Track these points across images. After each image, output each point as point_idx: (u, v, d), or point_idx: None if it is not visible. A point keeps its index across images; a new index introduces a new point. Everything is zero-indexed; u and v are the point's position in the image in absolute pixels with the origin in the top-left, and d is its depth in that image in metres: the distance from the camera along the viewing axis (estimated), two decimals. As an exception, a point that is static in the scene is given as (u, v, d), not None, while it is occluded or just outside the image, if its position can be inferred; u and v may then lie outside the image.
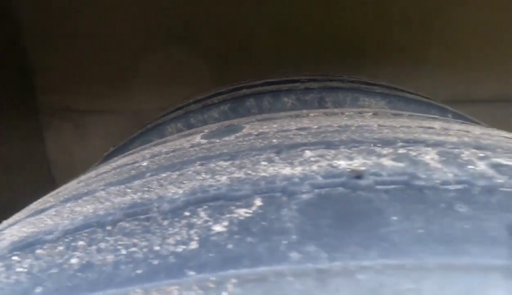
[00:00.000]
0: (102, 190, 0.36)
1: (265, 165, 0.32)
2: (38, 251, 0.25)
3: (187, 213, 0.26)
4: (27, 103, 1.45)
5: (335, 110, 0.52)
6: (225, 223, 0.24)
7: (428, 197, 0.25)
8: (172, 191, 0.30)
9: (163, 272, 0.21)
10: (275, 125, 0.45)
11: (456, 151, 0.33)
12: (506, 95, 1.51)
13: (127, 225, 0.26)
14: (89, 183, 0.42)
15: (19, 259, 0.25)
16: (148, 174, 0.37)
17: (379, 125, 0.42)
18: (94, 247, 0.25)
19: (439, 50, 1.45)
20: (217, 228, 0.24)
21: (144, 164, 0.41)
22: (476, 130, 0.44)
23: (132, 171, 0.39)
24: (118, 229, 0.26)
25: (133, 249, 0.23)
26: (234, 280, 0.20)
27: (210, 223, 0.24)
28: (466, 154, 0.32)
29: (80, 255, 0.24)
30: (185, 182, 0.32)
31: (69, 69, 1.50)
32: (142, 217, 0.27)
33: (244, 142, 0.40)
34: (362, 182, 0.27)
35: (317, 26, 1.41)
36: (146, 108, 1.45)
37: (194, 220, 0.25)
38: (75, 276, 0.22)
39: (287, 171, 0.30)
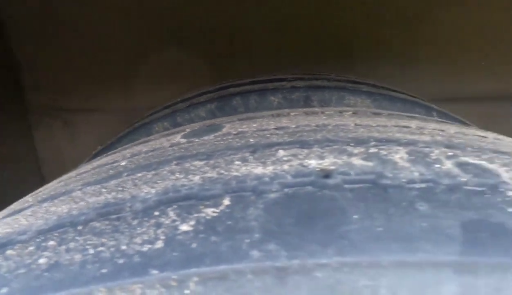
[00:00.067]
0: (79, 190, 0.36)
1: (238, 164, 0.32)
2: (9, 252, 0.26)
3: (156, 213, 0.27)
4: (16, 102, 1.44)
5: (316, 109, 0.53)
6: (192, 223, 0.24)
7: (392, 195, 0.25)
8: (145, 191, 0.31)
9: (127, 271, 0.21)
10: (254, 125, 0.46)
11: (427, 149, 0.34)
12: (499, 93, 1.53)
13: (98, 224, 0.27)
14: (68, 182, 0.42)
15: (-10, 260, 0.26)
16: (125, 174, 0.37)
17: (355, 124, 0.42)
18: (63, 247, 0.25)
19: (444, 49, 1.46)
20: (184, 227, 0.24)
21: (123, 163, 0.41)
22: (452, 129, 0.45)
23: (110, 171, 0.40)
24: (88, 229, 0.27)
25: (101, 248, 0.24)
26: (196, 278, 0.21)
27: (177, 223, 0.25)
28: (435, 153, 0.33)
29: (49, 255, 0.24)
30: (159, 181, 0.32)
31: (58, 68, 1.49)
32: (113, 216, 0.28)
33: (222, 142, 0.40)
34: (330, 181, 0.28)
35: (317, 26, 1.41)
36: (137, 107, 1.45)
37: (163, 219, 0.25)
38: (42, 276, 0.22)
39: (259, 170, 0.31)
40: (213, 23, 1.43)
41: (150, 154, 0.42)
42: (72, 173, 0.48)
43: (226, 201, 0.26)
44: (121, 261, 0.22)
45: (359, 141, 0.35)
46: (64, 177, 0.49)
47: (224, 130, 0.45)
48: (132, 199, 0.30)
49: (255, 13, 1.42)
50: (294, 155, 0.33)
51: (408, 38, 1.45)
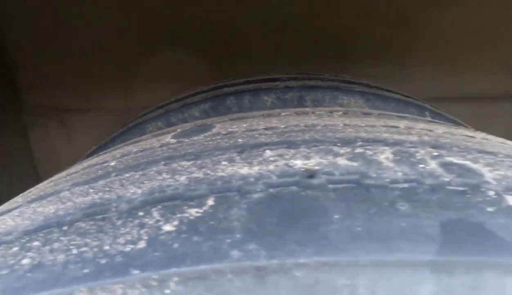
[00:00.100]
0: (67, 190, 0.36)
1: (225, 165, 0.33)
2: (-7, 252, 0.26)
3: (141, 213, 0.27)
4: (10, 102, 1.44)
5: (307, 109, 0.53)
6: (175, 223, 0.25)
7: (374, 195, 0.25)
8: (132, 191, 0.31)
9: (109, 271, 0.22)
10: (244, 125, 0.46)
11: (412, 149, 0.34)
12: (499, 93, 1.54)
13: (83, 225, 0.27)
14: (58, 183, 0.42)
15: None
16: (114, 174, 0.37)
17: (344, 124, 0.43)
18: (47, 247, 0.25)
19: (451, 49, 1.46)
20: (167, 227, 0.24)
21: (112, 163, 0.41)
22: (440, 129, 0.45)
23: (99, 171, 0.40)
24: (73, 229, 0.27)
25: (84, 248, 0.24)
26: (176, 278, 0.21)
27: (161, 223, 0.25)
28: (421, 153, 0.33)
29: (32, 256, 0.24)
30: (145, 182, 0.32)
31: (54, 67, 1.49)
32: (98, 217, 0.28)
33: (211, 142, 0.40)
34: (315, 181, 0.28)
35: (317, 26, 1.42)
36: (134, 107, 1.45)
37: (147, 219, 0.26)
38: (24, 277, 0.23)
39: (244, 170, 0.31)
40: (213, 23, 1.43)
41: (139, 154, 0.42)
42: (63, 173, 0.48)
43: (210, 201, 0.26)
44: (103, 261, 0.22)
45: (346, 142, 0.36)
46: (55, 177, 0.49)
47: (214, 130, 0.45)
48: (118, 199, 0.30)
49: (255, 13, 1.42)
50: (281, 155, 0.33)
51: (408, 38, 1.45)
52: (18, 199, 0.43)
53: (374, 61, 1.45)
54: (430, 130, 0.43)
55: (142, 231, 0.24)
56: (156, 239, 0.23)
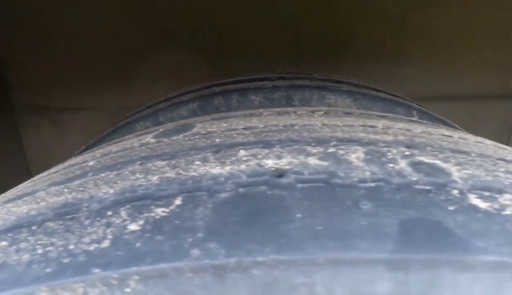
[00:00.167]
0: (44, 190, 0.36)
1: (198, 165, 0.33)
2: (-40, 252, 0.26)
3: (109, 213, 0.27)
4: (2, 102, 1.43)
5: (289, 109, 0.53)
6: (141, 222, 0.25)
7: (338, 194, 0.26)
8: (104, 191, 0.31)
9: (71, 270, 0.22)
10: (225, 125, 0.46)
11: (385, 149, 0.34)
12: (499, 93, 1.54)
13: (52, 224, 0.27)
14: (37, 182, 0.42)
15: None
16: (90, 174, 0.37)
17: (322, 124, 0.43)
18: (14, 247, 0.25)
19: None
20: (132, 227, 0.25)
21: (91, 163, 0.41)
22: (419, 129, 0.45)
23: (77, 171, 0.40)
24: (42, 229, 0.27)
25: (50, 248, 0.24)
26: (136, 277, 0.21)
27: (127, 222, 0.25)
28: (393, 153, 0.34)
29: (-2, 255, 0.25)
30: (118, 181, 0.32)
31: (45, 67, 1.49)
32: (68, 216, 0.28)
33: (188, 142, 0.40)
34: (283, 180, 0.28)
35: (317, 26, 1.42)
36: (127, 107, 1.45)
37: (114, 219, 0.26)
38: (-13, 276, 0.23)
39: (216, 170, 0.31)
40: (213, 23, 1.43)
41: (118, 154, 0.42)
42: (44, 173, 0.48)
43: (178, 201, 0.27)
44: (66, 260, 0.23)
45: (320, 141, 0.36)
46: (37, 176, 0.49)
47: (194, 130, 0.46)
48: (90, 199, 0.30)
49: (255, 13, 1.43)
50: (254, 155, 0.33)
51: (408, 38, 1.46)
52: (-3, 198, 0.43)
53: (374, 61, 1.46)
54: (408, 130, 0.43)
55: (108, 230, 0.25)
56: (120, 238, 0.24)
